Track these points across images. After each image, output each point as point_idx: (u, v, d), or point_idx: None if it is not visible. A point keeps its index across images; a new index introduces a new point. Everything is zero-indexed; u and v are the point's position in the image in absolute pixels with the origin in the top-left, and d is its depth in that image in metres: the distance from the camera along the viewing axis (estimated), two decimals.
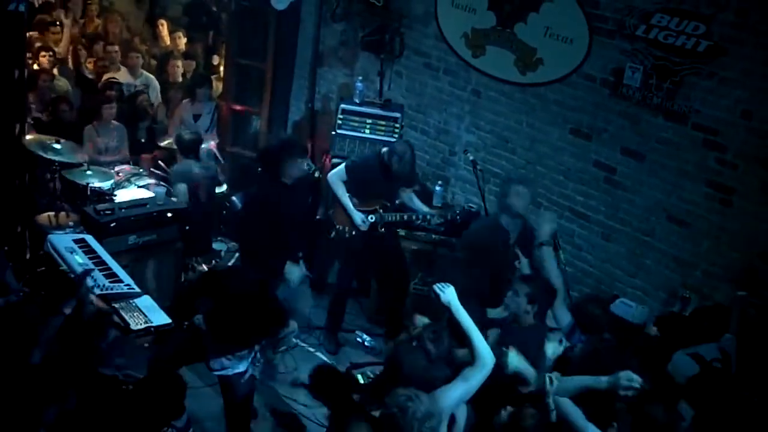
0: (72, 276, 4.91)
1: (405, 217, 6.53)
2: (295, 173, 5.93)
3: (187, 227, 6.47)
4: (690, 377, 4.57)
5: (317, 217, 7.50)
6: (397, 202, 6.59)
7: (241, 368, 4.78)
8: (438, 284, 4.27)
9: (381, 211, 6.42)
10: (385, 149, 6.40)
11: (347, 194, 6.40)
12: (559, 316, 5.02)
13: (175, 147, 7.40)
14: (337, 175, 6.47)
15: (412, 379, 4.08)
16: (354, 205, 6.38)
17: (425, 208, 6.69)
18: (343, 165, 6.49)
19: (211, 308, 4.60)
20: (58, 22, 8.76)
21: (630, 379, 3.98)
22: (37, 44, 8.32)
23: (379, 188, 6.45)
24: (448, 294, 4.20)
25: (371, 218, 6.40)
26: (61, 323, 4.17)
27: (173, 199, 6.58)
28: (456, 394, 3.99)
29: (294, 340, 4.89)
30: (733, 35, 5.46)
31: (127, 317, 4.81)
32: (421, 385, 3.92)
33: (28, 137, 6.57)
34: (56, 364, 4.09)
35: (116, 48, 8.76)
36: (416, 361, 4.34)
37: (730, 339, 5.00)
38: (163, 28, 10.02)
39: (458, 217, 6.55)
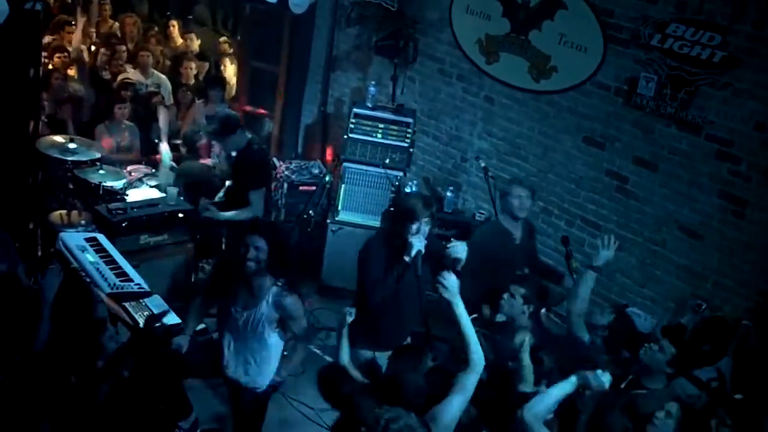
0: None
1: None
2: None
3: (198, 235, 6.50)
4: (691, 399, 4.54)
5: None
6: None
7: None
8: (443, 274, 4.00)
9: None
10: None
11: None
12: (576, 333, 4.84)
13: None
14: None
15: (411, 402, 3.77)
16: None
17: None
18: None
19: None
20: (72, 22, 8.81)
21: (598, 378, 3.93)
22: (53, 44, 8.37)
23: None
24: (450, 285, 3.96)
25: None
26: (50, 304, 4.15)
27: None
28: (456, 405, 3.79)
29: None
30: (749, 46, 5.45)
31: (137, 316, 4.82)
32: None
33: (42, 139, 6.60)
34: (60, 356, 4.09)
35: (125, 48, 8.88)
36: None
37: (727, 359, 5.00)
38: (174, 29, 10.07)
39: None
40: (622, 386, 4.58)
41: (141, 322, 4.78)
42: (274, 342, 4.70)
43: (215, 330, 5.01)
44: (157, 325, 4.47)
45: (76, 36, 8.79)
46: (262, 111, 8.78)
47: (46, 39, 8.21)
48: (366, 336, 5.00)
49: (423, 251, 4.78)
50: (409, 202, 4.97)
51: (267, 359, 4.71)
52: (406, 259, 4.77)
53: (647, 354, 4.56)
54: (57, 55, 8.26)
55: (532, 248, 6.18)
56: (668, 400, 4.33)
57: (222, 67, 9.70)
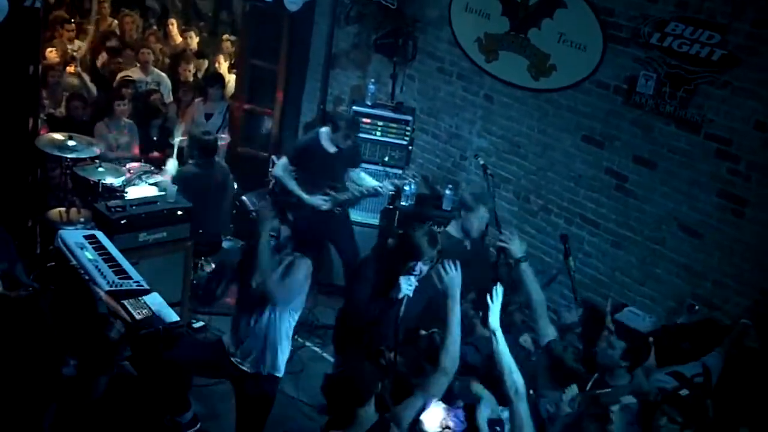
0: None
1: (357, 192, 6.70)
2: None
3: (200, 231, 6.49)
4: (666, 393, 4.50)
5: None
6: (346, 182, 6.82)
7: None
8: (448, 263, 4.01)
9: (333, 192, 6.60)
10: (323, 129, 6.74)
11: (295, 183, 6.68)
12: (542, 332, 4.72)
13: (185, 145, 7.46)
14: (282, 167, 6.76)
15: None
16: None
17: (375, 182, 6.81)
18: (285, 157, 6.81)
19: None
20: (72, 20, 8.81)
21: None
22: (52, 41, 8.38)
23: (326, 170, 6.68)
24: (452, 278, 3.98)
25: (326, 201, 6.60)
26: None
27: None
28: (419, 406, 3.77)
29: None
30: (749, 45, 5.44)
31: (135, 314, 4.81)
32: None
33: (40, 137, 6.60)
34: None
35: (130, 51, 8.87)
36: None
37: (715, 355, 4.98)
38: (173, 27, 10.06)
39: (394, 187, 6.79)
40: (587, 388, 4.50)
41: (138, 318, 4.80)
42: (287, 326, 4.82)
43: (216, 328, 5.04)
44: (149, 330, 4.50)
45: (89, 35, 8.80)
46: (269, 111, 8.76)
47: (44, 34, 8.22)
48: (350, 344, 5.02)
49: (411, 296, 4.62)
50: (416, 238, 4.68)
51: (281, 341, 4.80)
52: (392, 296, 4.69)
53: (600, 354, 4.51)
54: (49, 49, 8.26)
55: (484, 252, 6.03)
56: (626, 394, 4.33)
57: (216, 65, 9.72)
